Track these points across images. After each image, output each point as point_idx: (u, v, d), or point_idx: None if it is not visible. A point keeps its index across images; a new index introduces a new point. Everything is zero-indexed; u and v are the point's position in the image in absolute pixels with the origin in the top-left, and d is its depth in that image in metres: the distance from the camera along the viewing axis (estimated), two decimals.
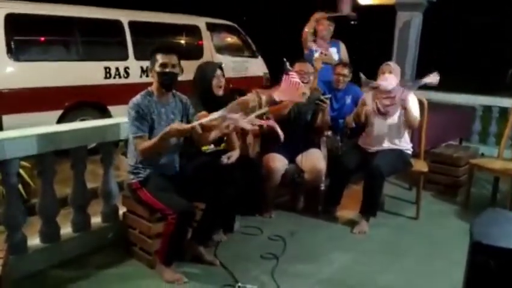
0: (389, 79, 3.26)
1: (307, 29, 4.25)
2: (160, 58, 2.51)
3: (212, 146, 3.08)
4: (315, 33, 4.30)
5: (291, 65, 3.31)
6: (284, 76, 3.17)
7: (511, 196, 3.55)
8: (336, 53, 4.28)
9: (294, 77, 3.16)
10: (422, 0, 6.32)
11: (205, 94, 2.89)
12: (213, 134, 2.63)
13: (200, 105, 2.82)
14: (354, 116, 3.54)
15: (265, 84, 7.10)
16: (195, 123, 2.35)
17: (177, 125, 2.38)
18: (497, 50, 13.80)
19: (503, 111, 5.41)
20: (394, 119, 3.35)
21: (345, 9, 4.16)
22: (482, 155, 5.13)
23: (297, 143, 3.46)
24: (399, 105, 3.26)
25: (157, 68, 2.51)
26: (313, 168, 3.34)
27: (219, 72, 2.97)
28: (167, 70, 2.51)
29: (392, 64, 3.43)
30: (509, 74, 14.95)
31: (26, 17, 4.81)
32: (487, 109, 5.65)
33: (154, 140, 2.43)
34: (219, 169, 2.90)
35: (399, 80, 3.37)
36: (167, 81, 2.53)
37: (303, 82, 3.25)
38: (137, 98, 2.53)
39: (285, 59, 3.20)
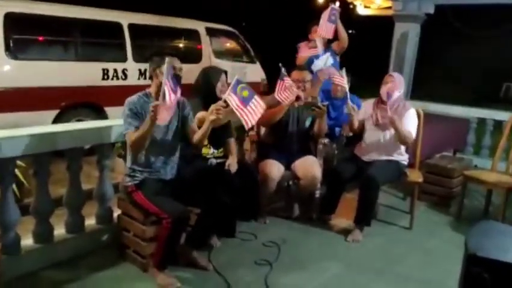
0: (391, 90, 3.28)
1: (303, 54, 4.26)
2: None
3: (212, 150, 3.10)
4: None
5: (289, 72, 3.34)
6: (279, 81, 3.20)
7: (503, 209, 3.58)
8: (331, 57, 4.27)
9: (288, 82, 3.20)
10: (419, 12, 6.40)
11: (208, 98, 2.91)
12: (204, 127, 2.58)
13: (201, 108, 2.85)
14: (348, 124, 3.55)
15: (263, 90, 7.13)
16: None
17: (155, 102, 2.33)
18: (492, 63, 13.94)
19: (498, 124, 5.46)
20: (392, 131, 3.36)
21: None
22: (476, 166, 5.18)
23: (293, 149, 3.48)
24: (399, 118, 3.26)
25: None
26: (308, 175, 3.35)
27: (223, 77, 3.02)
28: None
29: (395, 75, 3.44)
30: (503, 89, 15.10)
31: (25, 16, 4.81)
32: (482, 121, 5.70)
33: (141, 126, 2.41)
34: (215, 174, 2.91)
35: (402, 91, 3.39)
36: None
37: (300, 90, 3.28)
38: (132, 98, 2.55)
39: (281, 65, 3.22)
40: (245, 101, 2.48)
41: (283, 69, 3.21)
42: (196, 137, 2.64)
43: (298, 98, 3.23)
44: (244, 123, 2.49)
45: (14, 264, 2.46)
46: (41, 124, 3.62)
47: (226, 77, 3.07)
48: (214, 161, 3.08)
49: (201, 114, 2.82)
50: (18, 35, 4.72)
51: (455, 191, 4.16)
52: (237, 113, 2.46)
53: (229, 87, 2.47)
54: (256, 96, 2.53)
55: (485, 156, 5.56)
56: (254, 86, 3.93)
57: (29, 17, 4.85)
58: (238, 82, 2.48)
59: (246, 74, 7.25)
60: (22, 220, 2.56)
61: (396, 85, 3.31)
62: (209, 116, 2.49)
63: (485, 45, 13.65)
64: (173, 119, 2.63)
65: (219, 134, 2.93)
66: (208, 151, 3.09)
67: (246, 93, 2.49)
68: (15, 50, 4.64)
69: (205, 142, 2.95)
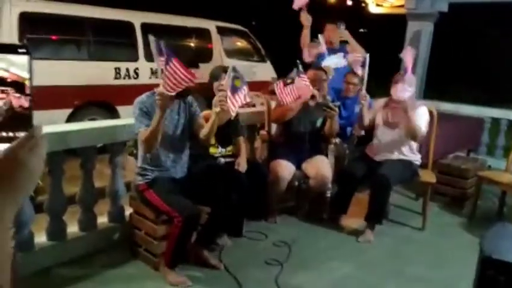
0: (402, 89, 3.26)
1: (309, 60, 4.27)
2: None
3: (219, 149, 3.10)
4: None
5: (306, 70, 3.34)
6: (296, 78, 3.20)
7: None
8: (343, 57, 4.24)
9: (304, 79, 3.19)
10: (433, 10, 6.31)
11: (209, 95, 2.90)
12: (211, 121, 2.58)
13: (205, 106, 2.86)
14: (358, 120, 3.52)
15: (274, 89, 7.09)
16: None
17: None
18: (506, 63, 13.72)
19: None
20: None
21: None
22: (490, 167, 5.10)
23: (304, 149, 3.47)
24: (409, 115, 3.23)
25: None
26: (318, 175, 3.33)
27: (223, 76, 2.97)
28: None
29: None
30: None
31: (39, 16, 4.86)
32: (496, 121, 5.61)
33: (152, 122, 2.41)
34: (225, 173, 2.91)
35: (412, 89, 3.36)
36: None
37: (315, 89, 3.27)
38: (141, 97, 2.56)
39: (298, 61, 3.22)
40: (234, 91, 2.53)
41: (300, 66, 3.20)
42: (204, 131, 2.61)
43: (313, 97, 3.22)
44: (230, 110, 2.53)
45: (28, 261, 2.49)
46: (55, 123, 3.66)
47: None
48: (222, 160, 3.08)
49: (205, 112, 2.82)
50: (32, 35, 4.78)
51: (469, 191, 4.10)
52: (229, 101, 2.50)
53: (226, 76, 2.50)
54: (245, 87, 2.59)
55: (499, 157, 5.47)
56: (265, 85, 3.91)
57: (43, 16, 4.91)
58: (234, 71, 2.49)
59: (256, 73, 7.23)
60: (36, 218, 2.59)
61: (407, 83, 3.28)
62: (214, 109, 2.50)
63: (499, 45, 13.46)
64: (181, 116, 2.64)
65: (226, 133, 2.92)
66: (216, 150, 3.08)
67: (238, 83, 2.51)
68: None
69: (213, 141, 2.95)
